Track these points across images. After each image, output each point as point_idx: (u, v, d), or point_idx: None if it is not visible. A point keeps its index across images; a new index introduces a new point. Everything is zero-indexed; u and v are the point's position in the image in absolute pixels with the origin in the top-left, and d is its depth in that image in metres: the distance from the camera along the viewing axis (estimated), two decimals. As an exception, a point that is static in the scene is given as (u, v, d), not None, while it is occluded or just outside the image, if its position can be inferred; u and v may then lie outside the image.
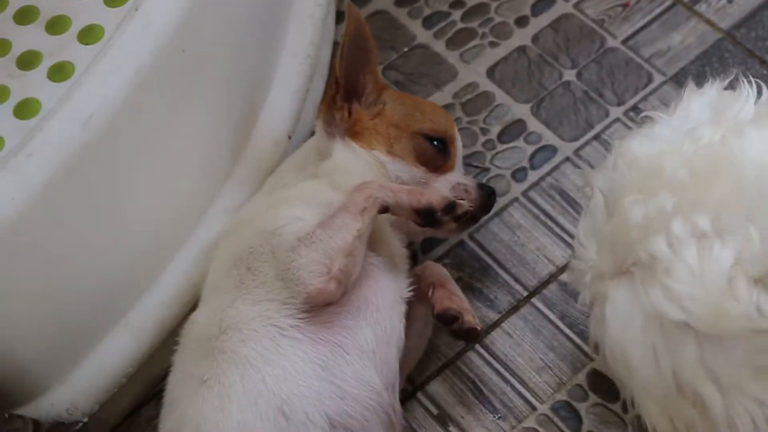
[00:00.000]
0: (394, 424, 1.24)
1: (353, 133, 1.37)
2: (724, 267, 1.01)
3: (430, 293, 1.31)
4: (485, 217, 1.45)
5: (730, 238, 1.02)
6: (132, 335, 1.35)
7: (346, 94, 1.37)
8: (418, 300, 1.34)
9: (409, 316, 1.32)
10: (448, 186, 1.37)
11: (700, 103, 1.18)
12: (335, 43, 1.64)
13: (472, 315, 1.30)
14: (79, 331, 1.32)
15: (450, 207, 1.30)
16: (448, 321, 1.29)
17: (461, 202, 1.31)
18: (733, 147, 1.06)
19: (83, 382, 1.33)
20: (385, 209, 1.27)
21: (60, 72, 1.26)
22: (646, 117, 1.24)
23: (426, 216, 1.28)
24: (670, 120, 1.19)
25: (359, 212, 1.24)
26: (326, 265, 1.20)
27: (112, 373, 1.35)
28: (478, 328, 1.28)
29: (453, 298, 1.31)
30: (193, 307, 1.34)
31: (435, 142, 1.38)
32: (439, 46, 1.65)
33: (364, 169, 1.35)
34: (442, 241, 1.46)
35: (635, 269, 1.09)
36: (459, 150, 1.41)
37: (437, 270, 1.35)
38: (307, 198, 1.30)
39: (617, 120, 1.53)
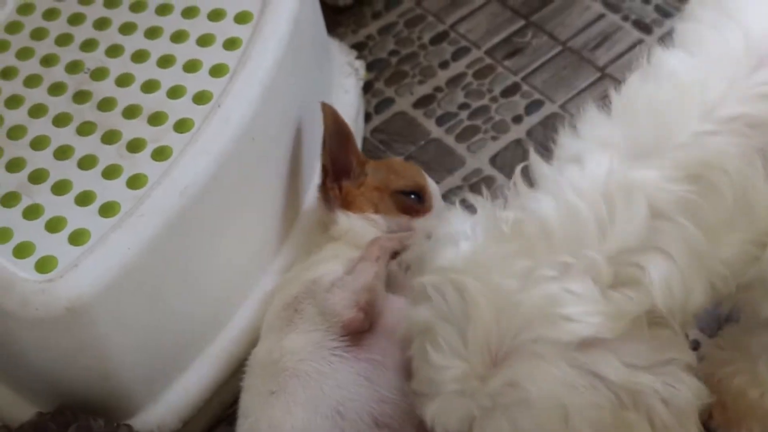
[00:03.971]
0: (424, 428, 1.39)
1: (347, 203, 1.62)
2: (593, 288, 1.13)
3: None
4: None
5: (580, 266, 1.14)
6: (210, 365, 1.57)
7: (335, 175, 1.63)
8: None
9: None
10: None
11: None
12: (364, 139, 1.92)
13: None
14: (170, 360, 1.54)
15: None
16: None
17: None
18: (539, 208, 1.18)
19: (171, 402, 1.54)
20: (395, 254, 1.54)
21: (161, 154, 1.49)
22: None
23: None
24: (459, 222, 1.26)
25: (374, 259, 1.51)
26: (354, 300, 1.47)
27: (194, 395, 1.56)
28: None
29: None
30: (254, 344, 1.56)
31: (411, 195, 1.65)
32: (449, 140, 1.91)
33: (364, 228, 1.61)
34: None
35: (527, 330, 1.12)
36: (433, 193, 1.68)
37: None
38: (337, 258, 1.57)
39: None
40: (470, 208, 1.27)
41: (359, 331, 1.48)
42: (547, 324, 1.12)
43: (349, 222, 1.62)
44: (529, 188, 1.24)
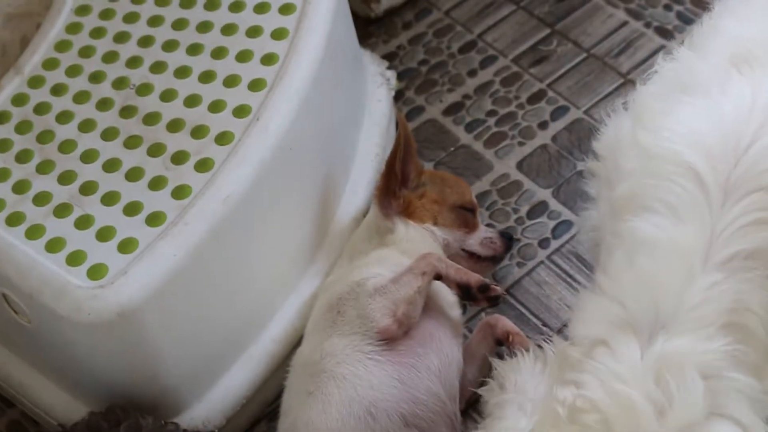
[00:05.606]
0: (454, 427, 1.55)
1: (407, 213, 1.68)
2: None
3: (510, 339, 1.63)
4: (520, 275, 1.79)
5: None
6: (251, 365, 1.65)
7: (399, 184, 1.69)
8: (482, 344, 1.66)
9: (472, 357, 1.64)
10: (478, 240, 1.71)
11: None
12: (396, 146, 2.00)
13: None
14: (214, 361, 1.61)
15: (484, 288, 1.61)
16: None
17: (495, 287, 1.62)
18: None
19: (216, 400, 1.62)
20: (438, 277, 1.60)
21: (203, 165, 1.56)
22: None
23: (464, 290, 1.61)
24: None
25: (420, 274, 1.57)
26: (392, 310, 1.54)
27: (237, 394, 1.63)
28: None
29: (528, 341, 1.63)
30: (296, 344, 1.64)
31: (466, 210, 1.72)
32: (478, 146, 1.97)
33: (422, 238, 1.67)
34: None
35: None
36: (477, 210, 1.75)
37: (508, 321, 1.67)
38: (383, 261, 1.63)
39: (620, 200, 1.87)
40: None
41: (392, 339, 1.55)
42: None
43: (407, 231, 1.68)
44: (568, 369, 1.29)
